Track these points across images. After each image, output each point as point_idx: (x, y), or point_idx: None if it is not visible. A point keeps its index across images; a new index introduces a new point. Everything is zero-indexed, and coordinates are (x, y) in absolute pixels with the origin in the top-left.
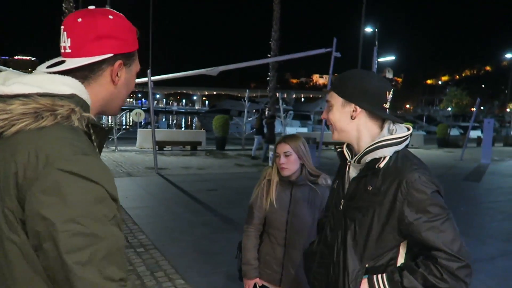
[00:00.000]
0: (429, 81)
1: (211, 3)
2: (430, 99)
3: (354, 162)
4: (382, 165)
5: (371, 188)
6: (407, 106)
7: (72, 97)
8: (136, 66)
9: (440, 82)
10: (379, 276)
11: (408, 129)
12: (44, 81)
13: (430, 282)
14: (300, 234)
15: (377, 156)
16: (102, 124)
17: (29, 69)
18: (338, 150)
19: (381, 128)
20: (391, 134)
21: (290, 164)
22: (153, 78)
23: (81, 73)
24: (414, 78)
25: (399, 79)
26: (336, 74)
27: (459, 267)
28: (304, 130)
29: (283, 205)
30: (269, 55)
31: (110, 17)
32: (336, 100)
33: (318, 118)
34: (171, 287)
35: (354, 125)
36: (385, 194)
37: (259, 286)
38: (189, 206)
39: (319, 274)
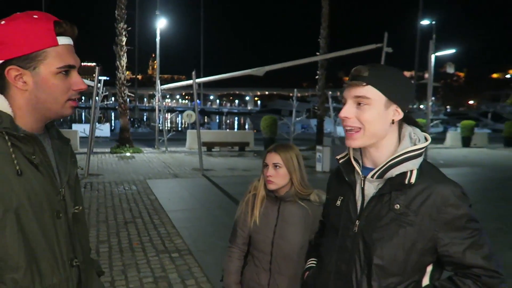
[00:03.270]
0: (495, 75)
1: (260, 4)
2: (496, 95)
3: (373, 177)
4: (413, 180)
5: (398, 206)
6: (470, 102)
7: None
8: (47, 67)
9: (508, 76)
10: None
11: (426, 139)
12: None
13: None
14: (288, 259)
15: (404, 170)
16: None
17: (93, 75)
18: (341, 161)
19: (399, 136)
20: (414, 143)
21: (278, 177)
22: (198, 80)
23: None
24: (478, 72)
25: (461, 74)
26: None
27: (500, 283)
28: None
29: (269, 224)
30: (318, 53)
31: (2, 22)
32: (377, 97)
33: None
34: None
35: (388, 131)
36: (416, 213)
37: None
38: (230, 210)
39: None
